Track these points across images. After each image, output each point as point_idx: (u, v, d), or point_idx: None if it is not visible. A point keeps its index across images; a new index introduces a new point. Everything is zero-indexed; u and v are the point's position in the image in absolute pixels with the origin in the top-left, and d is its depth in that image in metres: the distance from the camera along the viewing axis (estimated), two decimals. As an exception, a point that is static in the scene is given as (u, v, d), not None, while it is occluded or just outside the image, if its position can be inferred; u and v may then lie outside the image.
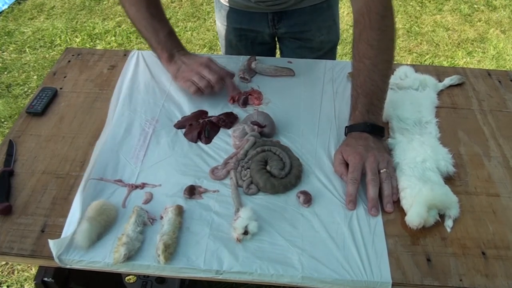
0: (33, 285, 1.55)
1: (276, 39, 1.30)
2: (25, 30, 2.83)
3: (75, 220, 0.73)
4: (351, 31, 2.83)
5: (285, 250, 0.71)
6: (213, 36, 2.78)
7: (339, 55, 2.63)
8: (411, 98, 0.96)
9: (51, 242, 0.70)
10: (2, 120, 2.20)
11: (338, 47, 2.68)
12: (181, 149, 0.88)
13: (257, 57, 1.08)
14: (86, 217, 0.72)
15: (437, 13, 3.01)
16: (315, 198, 0.78)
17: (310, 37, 1.22)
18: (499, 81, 1.06)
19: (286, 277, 0.68)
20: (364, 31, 0.85)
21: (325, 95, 1.01)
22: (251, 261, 0.69)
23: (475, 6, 3.07)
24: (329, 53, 1.29)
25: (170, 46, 0.99)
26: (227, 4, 1.22)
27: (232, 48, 1.30)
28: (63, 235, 0.72)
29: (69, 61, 1.12)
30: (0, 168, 0.84)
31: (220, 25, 1.30)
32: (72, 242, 0.71)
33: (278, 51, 1.38)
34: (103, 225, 0.73)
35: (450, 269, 0.69)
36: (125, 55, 1.13)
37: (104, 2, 3.12)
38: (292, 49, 1.26)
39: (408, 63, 2.38)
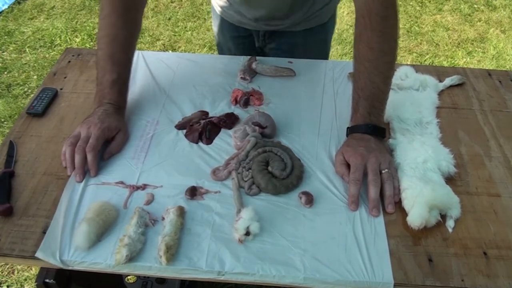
0: (33, 285, 1.55)
1: (263, 52, 1.27)
2: (25, 30, 2.83)
3: (57, 223, 0.74)
4: (351, 31, 2.84)
5: (287, 251, 0.71)
6: (213, 36, 2.77)
7: (339, 55, 2.63)
8: (412, 99, 0.96)
9: (39, 254, 0.70)
10: (2, 120, 2.20)
11: (338, 47, 2.69)
12: (182, 150, 0.88)
13: (257, 58, 1.08)
14: (85, 218, 0.72)
15: (437, 13, 3.00)
16: (316, 199, 0.78)
17: (297, 57, 1.18)
18: (500, 81, 1.06)
19: (288, 278, 0.68)
20: (364, 33, 0.83)
21: (325, 95, 1.01)
22: (253, 262, 0.69)
23: (475, 6, 3.07)
24: None
25: (105, 93, 0.90)
26: (222, 16, 1.21)
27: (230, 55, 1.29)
28: (45, 239, 0.72)
29: (69, 61, 1.12)
30: (0, 170, 0.83)
31: (217, 31, 1.28)
32: (72, 243, 0.71)
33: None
34: (102, 225, 0.72)
35: (451, 270, 0.69)
36: (125, 55, 1.12)
37: (104, 2, 3.11)
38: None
39: (408, 63, 2.38)
